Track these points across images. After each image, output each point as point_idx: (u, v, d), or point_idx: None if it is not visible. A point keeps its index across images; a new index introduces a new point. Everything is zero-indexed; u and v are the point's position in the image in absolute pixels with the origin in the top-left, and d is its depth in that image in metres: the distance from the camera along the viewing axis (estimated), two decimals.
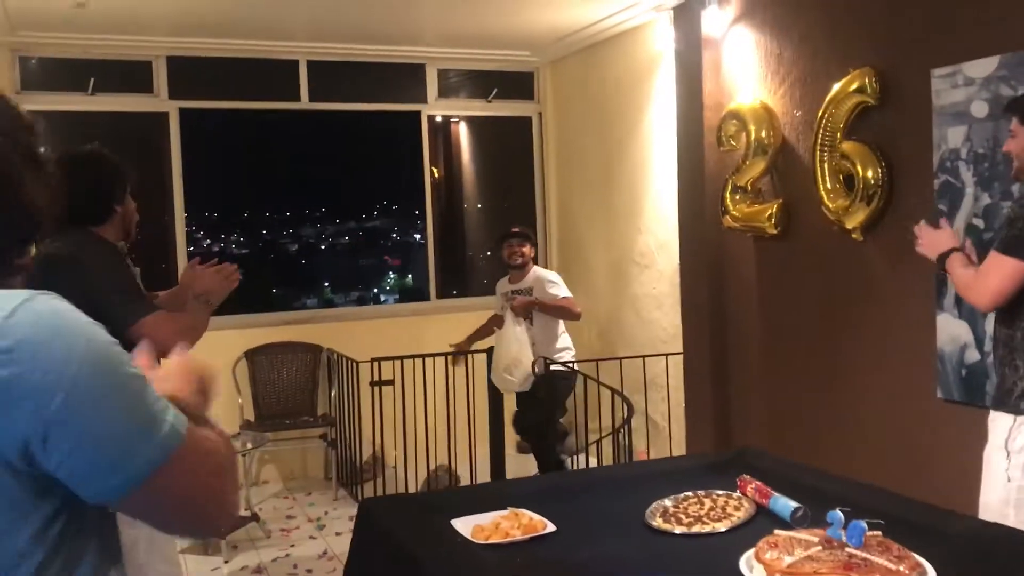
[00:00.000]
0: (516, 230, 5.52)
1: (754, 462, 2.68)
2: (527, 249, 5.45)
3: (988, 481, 2.66)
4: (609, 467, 4.40)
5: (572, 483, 2.71)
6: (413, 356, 5.52)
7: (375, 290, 7.46)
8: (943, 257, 2.82)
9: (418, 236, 7.04)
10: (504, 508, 2.32)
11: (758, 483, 2.41)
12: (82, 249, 2.63)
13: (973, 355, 3.42)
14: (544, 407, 5.31)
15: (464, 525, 2.25)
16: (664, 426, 5.50)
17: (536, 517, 2.27)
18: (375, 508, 2.39)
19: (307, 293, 7.07)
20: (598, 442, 5.67)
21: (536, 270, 5.53)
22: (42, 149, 1.14)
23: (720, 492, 2.43)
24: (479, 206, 7.59)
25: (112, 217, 2.73)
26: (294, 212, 7.19)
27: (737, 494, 2.41)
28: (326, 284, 7.25)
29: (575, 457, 5.69)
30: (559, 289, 5.39)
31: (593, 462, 5.90)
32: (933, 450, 3.63)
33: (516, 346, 5.18)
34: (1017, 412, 2.58)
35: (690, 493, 2.43)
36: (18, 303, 0.99)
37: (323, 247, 7.38)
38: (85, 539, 1.06)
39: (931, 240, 2.89)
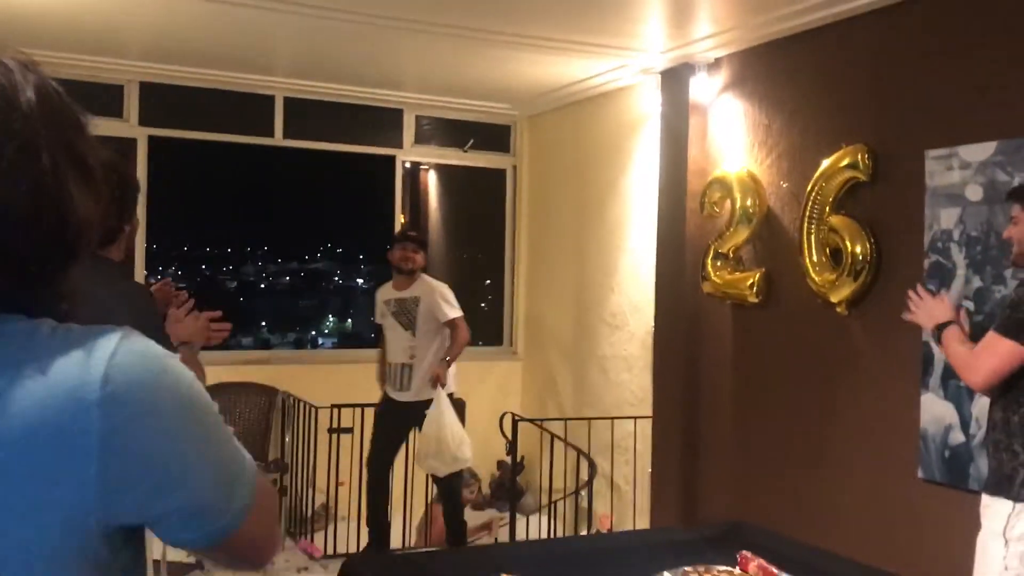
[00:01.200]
0: (412, 233, 5.28)
1: (753, 538, 2.60)
2: (420, 257, 5.15)
3: (983, 569, 2.60)
4: (600, 536, 4.28)
5: (565, 551, 2.60)
6: (374, 404, 5.35)
7: (312, 332, 7.34)
8: (939, 328, 2.79)
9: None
10: (497, 573, 2.20)
11: (761, 560, 2.32)
12: (118, 283, 2.36)
13: (958, 436, 3.39)
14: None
15: None
16: (628, 491, 5.40)
17: None
18: (361, 568, 2.25)
19: (244, 332, 6.86)
20: (551, 504, 5.54)
21: (425, 279, 5.18)
22: (93, 151, 0.98)
23: (721, 568, 2.33)
24: (455, 255, 7.49)
25: (119, 238, 2.44)
26: (262, 249, 7.04)
27: (737, 571, 2.32)
28: (263, 324, 7.08)
29: (532, 517, 5.54)
30: (452, 308, 5.06)
31: (545, 523, 5.76)
32: (913, 532, 3.59)
33: (436, 427, 4.87)
34: (1017, 499, 2.54)
35: (689, 568, 2.33)
36: (113, 347, 0.89)
37: (264, 286, 7.24)
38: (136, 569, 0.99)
39: (927, 309, 2.87)
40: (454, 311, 5.09)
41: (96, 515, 0.87)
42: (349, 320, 7.19)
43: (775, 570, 2.27)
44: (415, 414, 4.93)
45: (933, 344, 3.36)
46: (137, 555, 0.96)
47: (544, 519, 5.63)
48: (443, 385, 4.93)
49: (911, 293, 2.93)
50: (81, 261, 1.00)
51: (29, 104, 0.90)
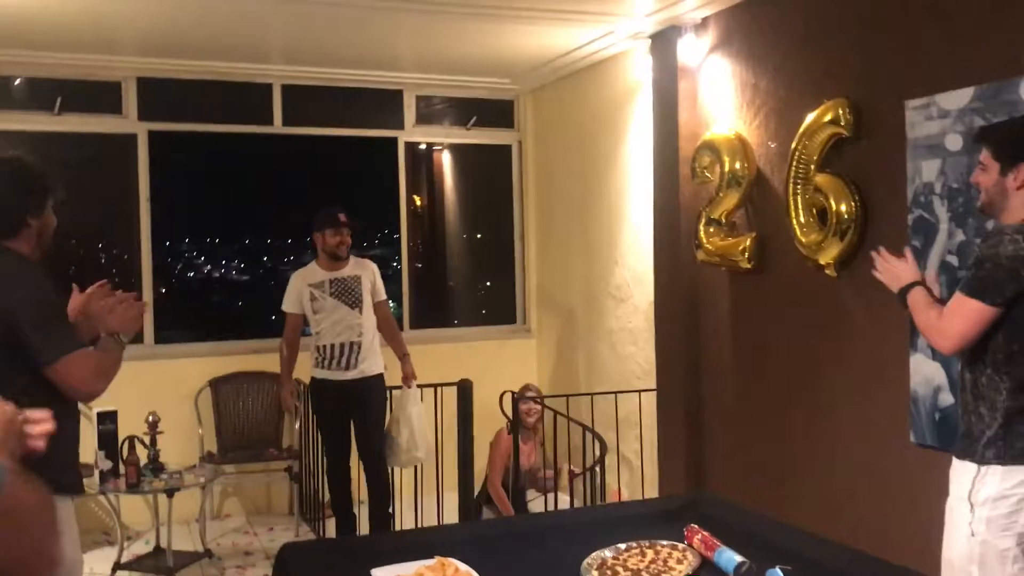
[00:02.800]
0: (344, 218, 5.10)
1: (707, 510, 2.52)
2: (350, 240, 5.10)
3: (951, 536, 2.49)
4: (554, 513, 4.21)
5: (510, 530, 2.55)
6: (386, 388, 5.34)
7: None
8: (904, 291, 2.67)
9: (395, 264, 6.90)
10: (431, 556, 2.16)
11: (705, 533, 2.25)
12: (16, 273, 2.43)
13: (947, 398, 3.26)
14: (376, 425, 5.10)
15: (385, 575, 2.08)
16: (637, 464, 5.32)
17: (463, 568, 2.11)
18: (292, 555, 2.22)
19: (259, 322, 6.85)
20: (571, 482, 5.50)
21: (356, 258, 5.16)
22: None
23: (665, 543, 2.27)
24: (467, 235, 7.45)
25: (23, 231, 2.50)
26: (269, 238, 7.05)
27: (683, 545, 2.26)
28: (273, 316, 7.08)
29: (551, 496, 5.49)
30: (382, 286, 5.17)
31: (565, 499, 5.72)
32: (905, 497, 3.47)
33: (415, 421, 5.04)
34: (981, 462, 2.42)
35: (633, 544, 2.27)
36: None
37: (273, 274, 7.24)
38: None
39: (892, 271, 2.74)
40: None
41: None
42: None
43: (718, 543, 2.19)
44: (362, 391, 4.95)
45: (911, 367, 3.23)
46: None
47: (563, 496, 5.60)
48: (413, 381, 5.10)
49: (874, 254, 2.81)
50: None
51: None
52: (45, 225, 2.55)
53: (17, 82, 5.77)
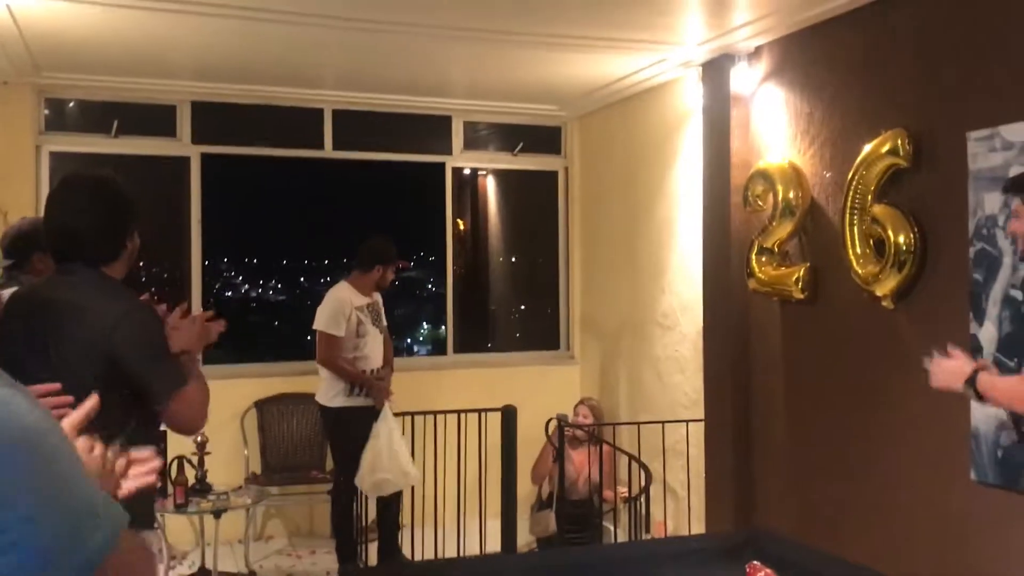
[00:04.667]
0: (404, 264, 5.39)
1: (766, 547, 2.47)
2: None
3: None
4: (612, 546, 4.18)
5: (571, 563, 2.51)
6: (425, 412, 5.34)
7: (407, 340, 7.31)
8: (971, 382, 2.57)
9: (430, 287, 6.94)
10: None
11: (768, 571, 2.21)
12: (122, 302, 2.31)
13: (1011, 436, 3.18)
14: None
15: None
16: (683, 495, 5.25)
17: None
18: None
19: None
20: (614, 511, 5.45)
21: None
22: None
23: None
24: (511, 260, 7.45)
25: (122, 255, 2.41)
26: (306, 259, 7.10)
27: None
28: None
29: (599, 521, 5.43)
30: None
31: (610, 529, 5.67)
32: (966, 536, 3.38)
33: (389, 441, 4.98)
34: None
35: None
36: None
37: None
38: None
39: (947, 369, 2.63)
40: None
41: None
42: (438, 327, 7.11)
43: None
44: (375, 416, 5.04)
45: (973, 402, 3.13)
46: None
47: (607, 527, 5.55)
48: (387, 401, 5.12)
49: (925, 361, 2.69)
50: None
51: None
52: (135, 247, 2.45)
53: (71, 104, 5.89)
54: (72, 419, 1.19)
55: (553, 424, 5.15)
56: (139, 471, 1.26)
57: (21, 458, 0.94)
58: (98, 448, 1.20)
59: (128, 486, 1.25)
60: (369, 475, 4.90)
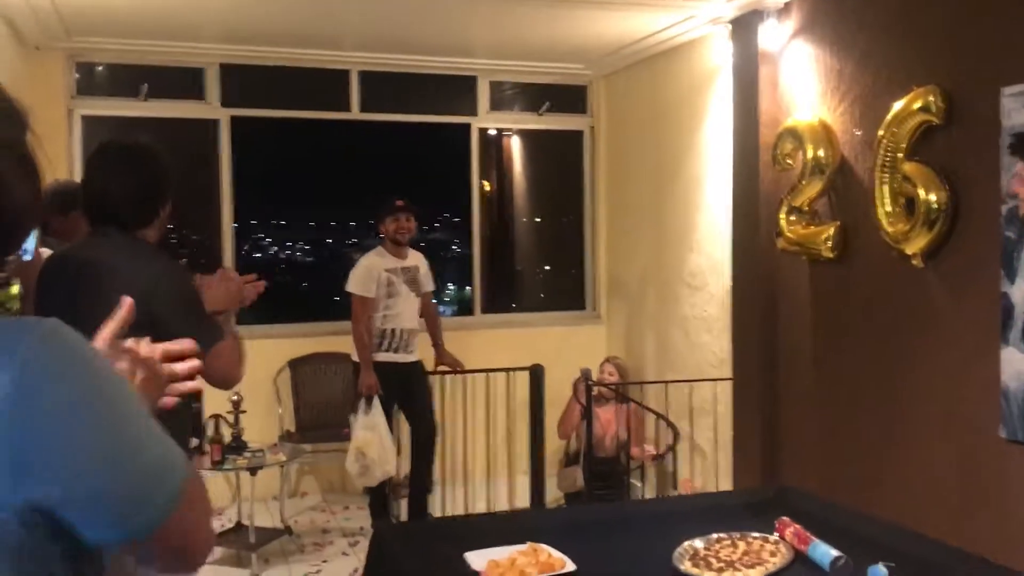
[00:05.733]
0: (402, 203, 5.27)
1: (796, 503, 2.51)
2: (413, 225, 5.29)
3: None
4: (640, 502, 4.23)
5: (599, 518, 2.56)
6: (453, 372, 5.41)
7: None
8: None
9: (455, 248, 6.98)
10: (524, 542, 2.20)
11: (797, 527, 2.24)
12: (155, 261, 2.37)
13: None
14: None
15: (478, 559, 2.12)
16: (711, 454, 5.30)
17: (556, 554, 2.14)
18: (388, 534, 2.28)
19: None
20: (642, 468, 5.52)
21: (411, 250, 5.40)
22: (29, 137, 1.03)
23: (756, 535, 2.27)
24: (536, 220, 7.46)
25: (155, 220, 2.45)
26: (356, 222, 7.15)
27: (775, 537, 2.25)
28: None
29: (626, 478, 5.51)
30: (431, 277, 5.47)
31: (638, 486, 5.74)
32: (995, 492, 3.40)
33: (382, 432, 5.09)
34: None
35: (724, 535, 2.27)
36: (28, 342, 0.91)
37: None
38: (93, 572, 1.01)
39: None
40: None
41: (11, 505, 0.90)
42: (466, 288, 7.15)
43: (812, 537, 2.19)
44: (417, 373, 5.27)
45: (1003, 360, 3.03)
46: (78, 546, 0.96)
47: (635, 484, 5.62)
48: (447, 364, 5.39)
49: None
50: (14, 250, 1.04)
51: None
52: (168, 213, 2.50)
53: (101, 68, 5.94)
54: (109, 329, 1.14)
55: (578, 376, 5.23)
56: (182, 369, 1.22)
57: (88, 409, 0.93)
58: (136, 364, 1.15)
59: (174, 391, 1.21)
60: (379, 467, 5.06)
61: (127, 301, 1.17)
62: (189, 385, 1.23)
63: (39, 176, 1.03)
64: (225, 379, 2.40)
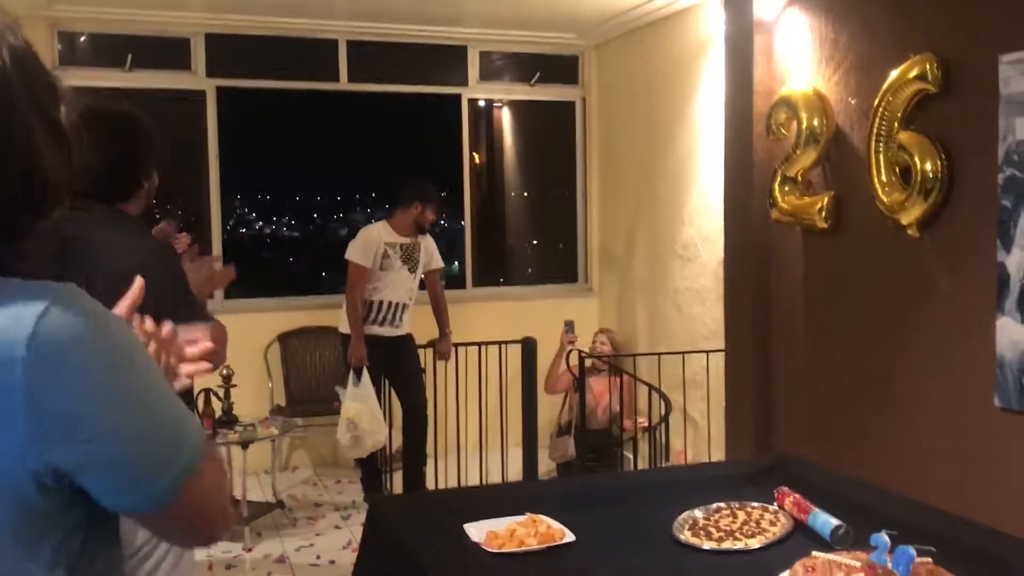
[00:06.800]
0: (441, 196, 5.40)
1: (795, 472, 2.50)
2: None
3: None
4: (638, 472, 4.24)
5: (597, 488, 2.55)
6: (438, 357, 5.39)
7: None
8: None
9: (443, 222, 6.92)
10: (522, 513, 2.18)
11: (797, 496, 2.23)
12: (146, 240, 2.31)
13: None
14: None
15: (477, 530, 2.11)
16: (703, 425, 5.31)
17: (555, 525, 2.12)
18: (385, 507, 2.26)
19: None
20: (634, 439, 5.52)
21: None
22: (64, 116, 1.02)
23: (755, 504, 2.26)
24: (527, 193, 7.42)
25: (138, 192, 2.37)
26: (343, 196, 7.08)
27: (774, 507, 2.24)
28: None
29: (618, 450, 5.52)
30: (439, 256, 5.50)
31: (630, 458, 5.75)
32: (989, 462, 3.41)
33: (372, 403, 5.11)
34: None
35: (723, 504, 2.26)
36: (46, 305, 0.90)
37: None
38: (103, 546, 1.02)
39: None
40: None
41: (29, 469, 0.89)
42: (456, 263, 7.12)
43: (812, 506, 2.18)
44: (405, 347, 5.27)
45: (998, 330, 3.01)
46: (91, 516, 0.97)
47: (627, 456, 5.62)
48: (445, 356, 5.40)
49: None
50: (46, 220, 1.01)
51: (3, 61, 0.93)
52: (152, 186, 2.43)
53: (84, 38, 5.84)
54: (120, 308, 1.14)
55: (562, 328, 5.27)
56: (194, 352, 1.22)
57: (106, 374, 0.92)
58: (151, 338, 1.15)
59: (186, 371, 1.22)
60: (369, 436, 5.07)
61: (139, 281, 1.17)
62: (204, 366, 1.24)
63: (70, 148, 1.02)
64: (213, 362, 2.37)
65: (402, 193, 5.31)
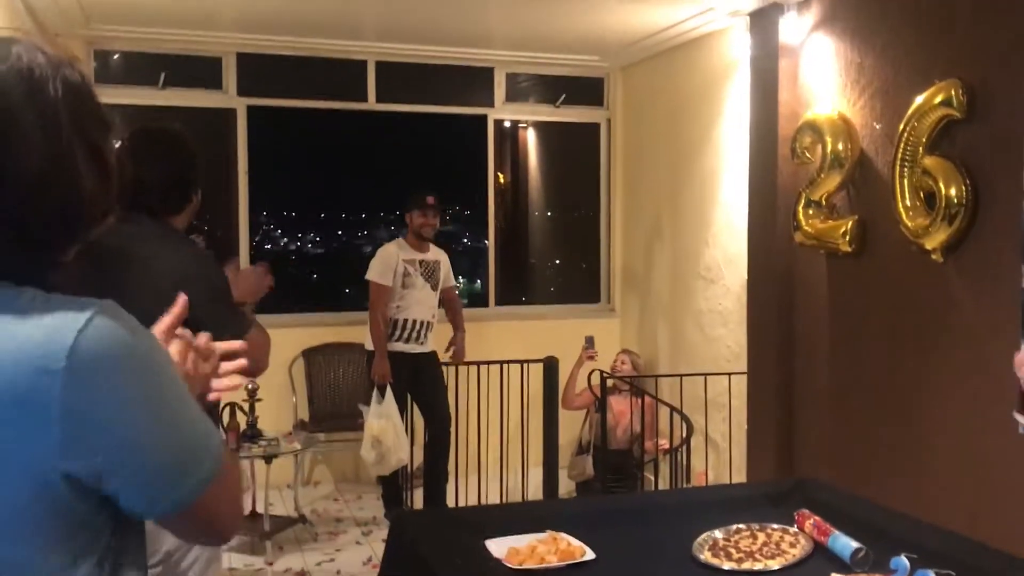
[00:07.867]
0: (432, 200, 5.34)
1: (815, 495, 2.51)
2: (438, 222, 5.42)
3: None
4: (658, 492, 4.23)
5: (618, 507, 2.57)
6: (468, 363, 5.42)
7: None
8: None
9: (467, 240, 6.99)
10: (543, 530, 2.20)
11: (817, 518, 2.24)
12: (191, 252, 2.39)
13: None
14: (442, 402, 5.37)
15: (498, 547, 2.13)
16: (725, 447, 5.30)
17: (575, 543, 2.14)
18: (408, 522, 2.28)
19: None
20: (655, 461, 5.51)
21: (434, 246, 5.48)
22: (110, 140, 1.09)
23: (775, 526, 2.27)
24: (550, 213, 7.46)
25: (187, 207, 2.46)
26: (368, 214, 7.15)
27: (794, 529, 2.25)
28: None
29: (638, 471, 5.51)
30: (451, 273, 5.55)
31: (651, 480, 5.74)
32: (1011, 487, 3.39)
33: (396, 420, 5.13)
34: None
35: (743, 525, 2.27)
36: (86, 320, 0.95)
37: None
38: (130, 547, 1.07)
39: None
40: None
41: (60, 476, 0.95)
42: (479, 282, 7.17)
43: (832, 529, 2.18)
44: (430, 364, 5.33)
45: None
46: (119, 517, 1.02)
47: (648, 478, 5.61)
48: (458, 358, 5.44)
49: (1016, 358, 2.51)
50: (83, 238, 1.06)
51: (55, 91, 0.99)
52: (198, 201, 2.51)
53: (117, 56, 5.96)
54: (163, 323, 1.18)
55: (582, 344, 5.36)
56: (228, 368, 1.26)
57: (137, 388, 0.98)
58: (189, 349, 1.20)
59: (220, 385, 1.25)
60: (393, 454, 5.09)
61: (182, 299, 1.22)
62: (237, 380, 1.28)
63: (111, 176, 1.06)
64: (255, 368, 2.41)
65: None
